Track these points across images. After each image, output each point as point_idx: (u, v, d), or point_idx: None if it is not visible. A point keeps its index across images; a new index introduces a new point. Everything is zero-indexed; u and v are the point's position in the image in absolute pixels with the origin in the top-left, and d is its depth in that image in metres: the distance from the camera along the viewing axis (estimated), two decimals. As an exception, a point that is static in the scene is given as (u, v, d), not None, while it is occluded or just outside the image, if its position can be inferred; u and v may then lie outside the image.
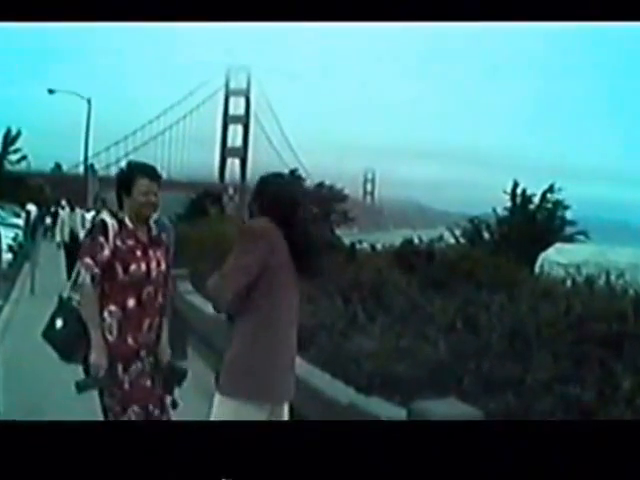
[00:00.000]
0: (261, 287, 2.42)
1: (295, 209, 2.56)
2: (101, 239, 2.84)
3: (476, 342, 5.26)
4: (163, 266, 2.99)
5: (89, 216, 16.60)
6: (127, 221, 2.93)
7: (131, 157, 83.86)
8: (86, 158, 41.86)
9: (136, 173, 2.93)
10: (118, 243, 2.87)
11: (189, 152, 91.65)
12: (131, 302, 2.86)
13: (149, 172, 2.96)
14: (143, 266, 2.89)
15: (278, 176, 2.71)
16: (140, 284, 2.88)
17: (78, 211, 14.48)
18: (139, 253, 2.91)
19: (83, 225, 14.35)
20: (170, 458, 1.73)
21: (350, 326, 5.92)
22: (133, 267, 2.86)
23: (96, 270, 2.81)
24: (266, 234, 2.47)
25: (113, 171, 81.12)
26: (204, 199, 39.60)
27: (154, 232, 3.01)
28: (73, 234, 13.72)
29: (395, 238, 13.16)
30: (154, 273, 2.93)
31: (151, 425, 2.48)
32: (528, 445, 1.71)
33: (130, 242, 2.90)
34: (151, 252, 2.94)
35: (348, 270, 8.34)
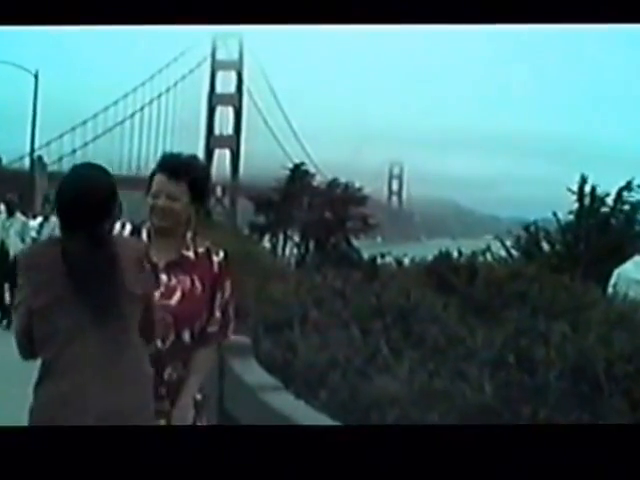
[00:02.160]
0: (35, 332, 2.47)
1: (71, 216, 2.54)
2: None
3: (531, 383, 5.30)
4: (174, 299, 3.08)
5: (35, 223, 16.81)
6: (142, 232, 3.16)
7: (90, 147, 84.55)
8: (32, 149, 41.90)
9: (157, 166, 3.16)
10: None
11: (165, 142, 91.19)
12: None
13: (164, 162, 3.15)
14: None
15: (80, 168, 2.71)
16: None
17: (19, 217, 14.51)
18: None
19: (23, 236, 14.48)
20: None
21: (370, 363, 5.98)
22: None
23: None
24: (24, 261, 2.49)
25: (67, 166, 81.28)
26: (184, 201, 39.76)
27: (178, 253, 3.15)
28: (3, 249, 13.50)
29: (428, 250, 13.22)
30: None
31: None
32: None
33: None
34: (169, 278, 3.07)
35: (368, 291, 8.39)
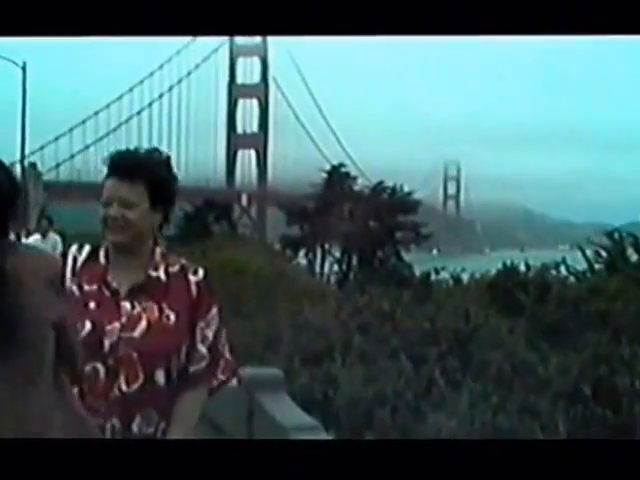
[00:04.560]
0: None
1: None
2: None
3: (613, 419, 5.29)
4: (138, 331, 2.84)
5: (30, 242, 17.07)
6: (100, 252, 2.94)
7: (91, 151, 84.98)
8: (23, 154, 41.88)
9: (106, 168, 2.93)
10: (74, 288, 2.89)
11: (179, 143, 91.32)
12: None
13: (114, 162, 2.91)
14: (88, 325, 2.83)
15: None
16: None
17: (52, 236, 15.01)
18: (93, 305, 2.88)
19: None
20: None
21: (423, 398, 6.02)
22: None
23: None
24: None
25: (65, 174, 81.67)
26: (205, 212, 40.21)
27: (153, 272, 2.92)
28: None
29: (492, 264, 13.20)
30: (113, 338, 2.84)
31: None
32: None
33: (90, 286, 2.90)
34: (132, 306, 2.87)
35: (420, 314, 8.41)
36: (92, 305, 2.86)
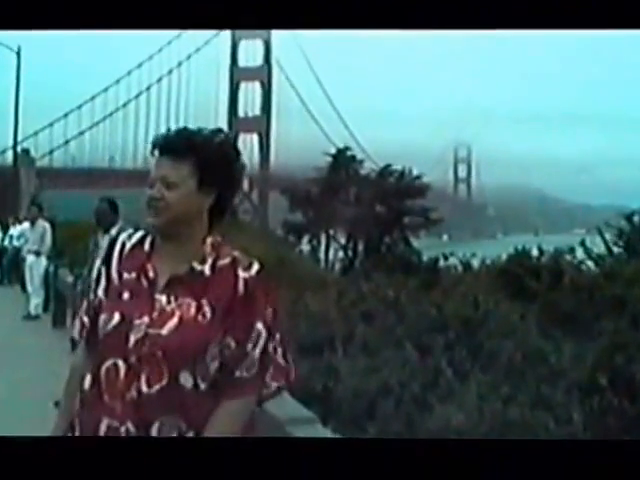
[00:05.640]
0: None
1: None
2: (101, 269, 2.88)
3: (631, 410, 5.25)
4: (167, 328, 2.72)
5: (16, 232, 17.17)
6: (147, 239, 2.86)
7: (86, 137, 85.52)
8: (16, 140, 42.23)
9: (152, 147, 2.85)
10: (114, 275, 2.85)
11: (179, 126, 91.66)
12: (86, 383, 2.81)
13: (160, 139, 2.83)
14: (117, 316, 2.75)
15: None
16: (109, 349, 2.76)
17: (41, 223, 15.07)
18: (127, 295, 2.79)
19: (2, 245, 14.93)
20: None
21: (431, 388, 5.98)
22: (103, 315, 2.78)
23: (85, 320, 2.89)
24: None
25: (59, 160, 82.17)
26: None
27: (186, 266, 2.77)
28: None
29: (505, 249, 13.19)
30: (139, 334, 2.73)
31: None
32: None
33: (130, 275, 2.83)
34: (168, 300, 2.75)
35: (426, 301, 8.39)
36: (126, 295, 2.77)
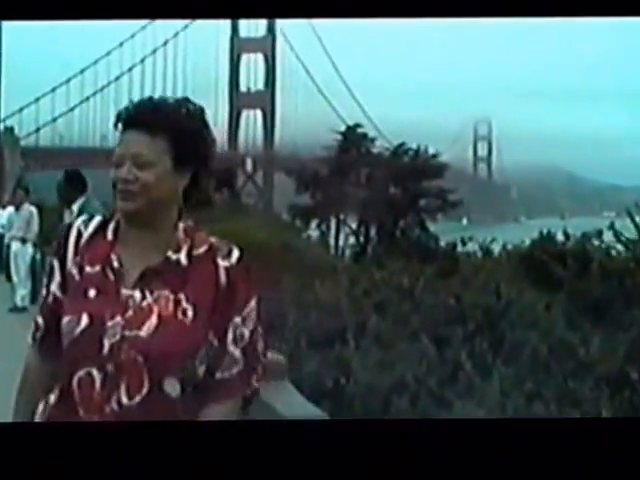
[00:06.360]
0: None
1: None
2: (53, 263, 2.69)
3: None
4: (146, 328, 2.57)
5: (2, 215, 17.09)
6: (110, 226, 2.68)
7: (75, 113, 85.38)
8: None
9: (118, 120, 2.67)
10: (73, 270, 2.66)
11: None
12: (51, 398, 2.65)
13: (128, 112, 2.66)
14: (85, 318, 2.57)
15: None
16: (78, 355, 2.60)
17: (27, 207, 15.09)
18: (93, 293, 2.61)
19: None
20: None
21: (449, 383, 5.98)
22: (67, 318, 2.60)
23: (39, 322, 2.71)
24: None
25: (45, 139, 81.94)
26: (205, 179, 40.26)
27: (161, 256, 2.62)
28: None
29: (528, 233, 13.20)
30: (115, 337, 2.56)
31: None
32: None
33: (93, 269, 2.64)
34: (143, 296, 2.60)
35: (446, 289, 8.38)
36: (92, 293, 2.60)
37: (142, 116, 2.61)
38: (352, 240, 37.76)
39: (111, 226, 2.66)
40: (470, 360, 6.24)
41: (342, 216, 39.31)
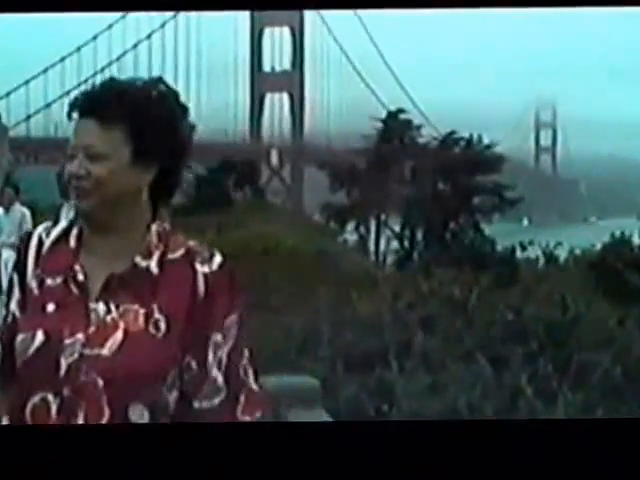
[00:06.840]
0: None
1: None
2: (13, 277, 2.69)
3: None
4: (108, 346, 2.50)
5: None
6: (72, 231, 2.65)
7: (75, 97, 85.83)
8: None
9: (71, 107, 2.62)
10: (33, 283, 2.64)
11: (188, 85, 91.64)
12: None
13: (81, 97, 2.60)
14: (40, 335, 2.52)
15: None
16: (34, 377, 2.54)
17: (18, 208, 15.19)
18: (52, 307, 2.57)
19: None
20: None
21: (508, 411, 6.02)
22: (21, 336, 2.56)
23: None
24: None
25: (37, 127, 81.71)
26: (222, 175, 40.41)
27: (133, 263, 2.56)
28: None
29: (599, 235, 13.18)
30: (73, 357, 2.50)
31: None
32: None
33: (54, 280, 2.61)
34: (108, 309, 2.56)
35: (503, 302, 8.39)
36: (51, 307, 2.56)
37: (97, 102, 2.57)
38: (395, 245, 37.70)
39: (74, 232, 2.64)
40: (532, 384, 6.27)
41: (383, 217, 39.25)
